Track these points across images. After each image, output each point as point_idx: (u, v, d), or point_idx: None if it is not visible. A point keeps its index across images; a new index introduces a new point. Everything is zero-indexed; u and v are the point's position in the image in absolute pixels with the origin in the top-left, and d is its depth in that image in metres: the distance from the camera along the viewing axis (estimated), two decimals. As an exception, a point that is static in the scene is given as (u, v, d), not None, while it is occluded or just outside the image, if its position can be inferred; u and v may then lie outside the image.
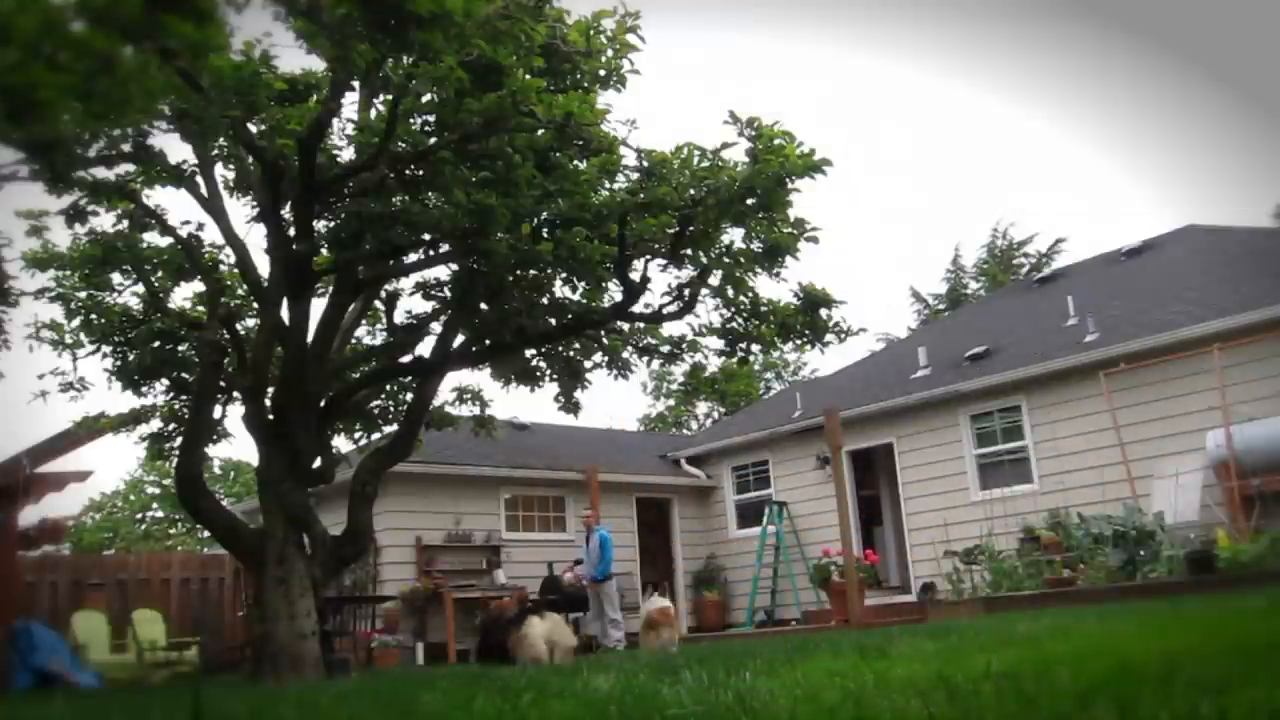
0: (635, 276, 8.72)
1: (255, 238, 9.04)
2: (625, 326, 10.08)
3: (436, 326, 9.98)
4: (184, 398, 10.35)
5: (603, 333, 10.14)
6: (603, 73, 8.14)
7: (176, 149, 12.87)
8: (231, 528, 8.67)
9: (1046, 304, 15.97)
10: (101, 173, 8.16)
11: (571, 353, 10.48)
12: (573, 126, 7.55)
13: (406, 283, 10.08)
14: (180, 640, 12.06)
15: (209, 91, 6.81)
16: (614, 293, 9.32)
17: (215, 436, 9.94)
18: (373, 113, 8.52)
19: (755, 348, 9.40)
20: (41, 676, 10.06)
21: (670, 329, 10.32)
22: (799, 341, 9.22)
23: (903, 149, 50.83)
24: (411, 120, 8.11)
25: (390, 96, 7.75)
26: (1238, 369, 11.09)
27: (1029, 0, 45.73)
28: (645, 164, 7.97)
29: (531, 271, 9.13)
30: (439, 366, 9.65)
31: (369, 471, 9.16)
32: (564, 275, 9.27)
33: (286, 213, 8.49)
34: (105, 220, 9.17)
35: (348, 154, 8.67)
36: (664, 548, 17.18)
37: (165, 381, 10.30)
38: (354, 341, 10.47)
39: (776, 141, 7.51)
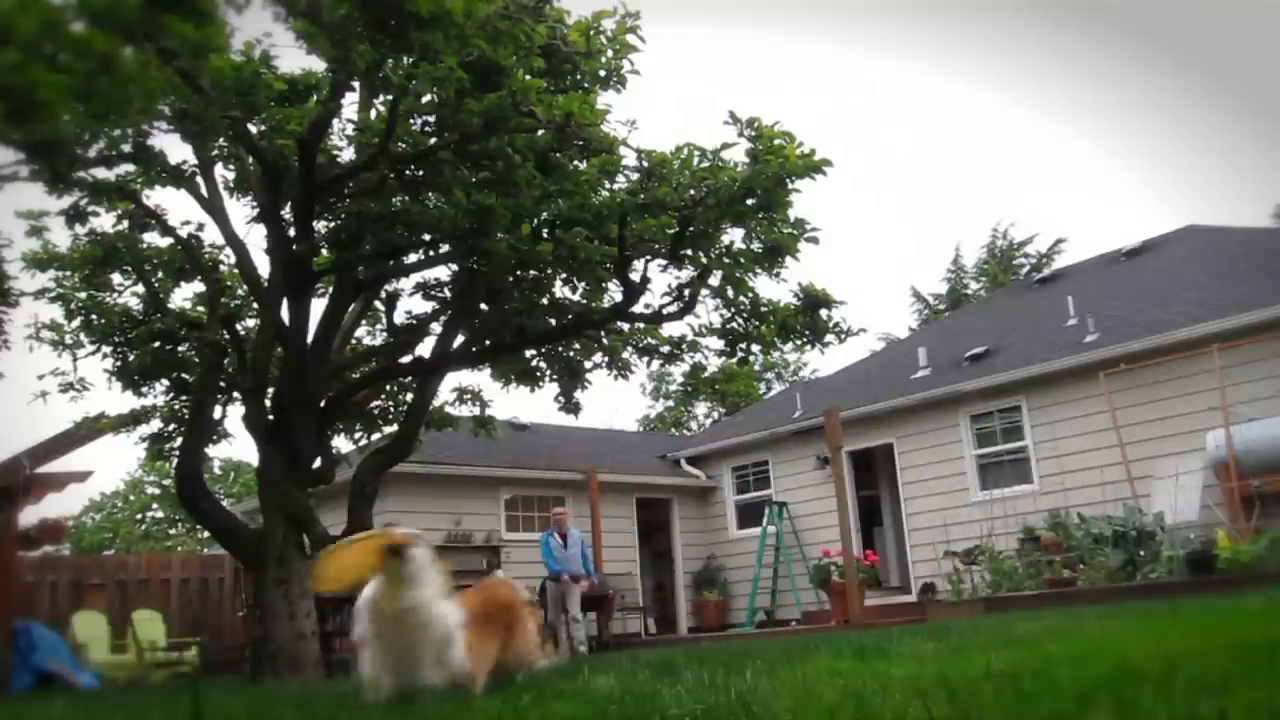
0: (635, 277, 8.73)
1: (255, 238, 9.06)
2: (625, 327, 10.09)
3: (436, 326, 9.98)
4: (184, 398, 10.35)
5: (603, 333, 10.15)
6: (603, 73, 8.15)
7: (176, 149, 12.87)
8: (231, 528, 8.67)
9: (1046, 304, 15.96)
10: (101, 173, 8.18)
11: (571, 353, 10.49)
12: (573, 127, 7.56)
13: (406, 283, 10.09)
14: (180, 640, 12.05)
15: (209, 91, 6.81)
16: (614, 293, 9.32)
17: (215, 436, 9.94)
18: (373, 113, 8.52)
19: (755, 348, 9.41)
20: (41, 676, 10.05)
21: (670, 329, 10.33)
22: (799, 342, 9.23)
23: (903, 149, 50.83)
24: (411, 120, 8.11)
25: (390, 97, 7.76)
26: (1238, 369, 11.08)
27: (1029, 0, 45.74)
28: (645, 164, 7.98)
29: (531, 272, 9.14)
30: (439, 366, 9.65)
31: (369, 471, 9.17)
32: (564, 275, 9.29)
33: (286, 213, 8.50)
34: (105, 220, 9.20)
35: (348, 154, 8.68)
36: (664, 548, 17.19)
37: (165, 382, 10.31)
38: (354, 341, 10.48)
39: (776, 142, 7.51)
